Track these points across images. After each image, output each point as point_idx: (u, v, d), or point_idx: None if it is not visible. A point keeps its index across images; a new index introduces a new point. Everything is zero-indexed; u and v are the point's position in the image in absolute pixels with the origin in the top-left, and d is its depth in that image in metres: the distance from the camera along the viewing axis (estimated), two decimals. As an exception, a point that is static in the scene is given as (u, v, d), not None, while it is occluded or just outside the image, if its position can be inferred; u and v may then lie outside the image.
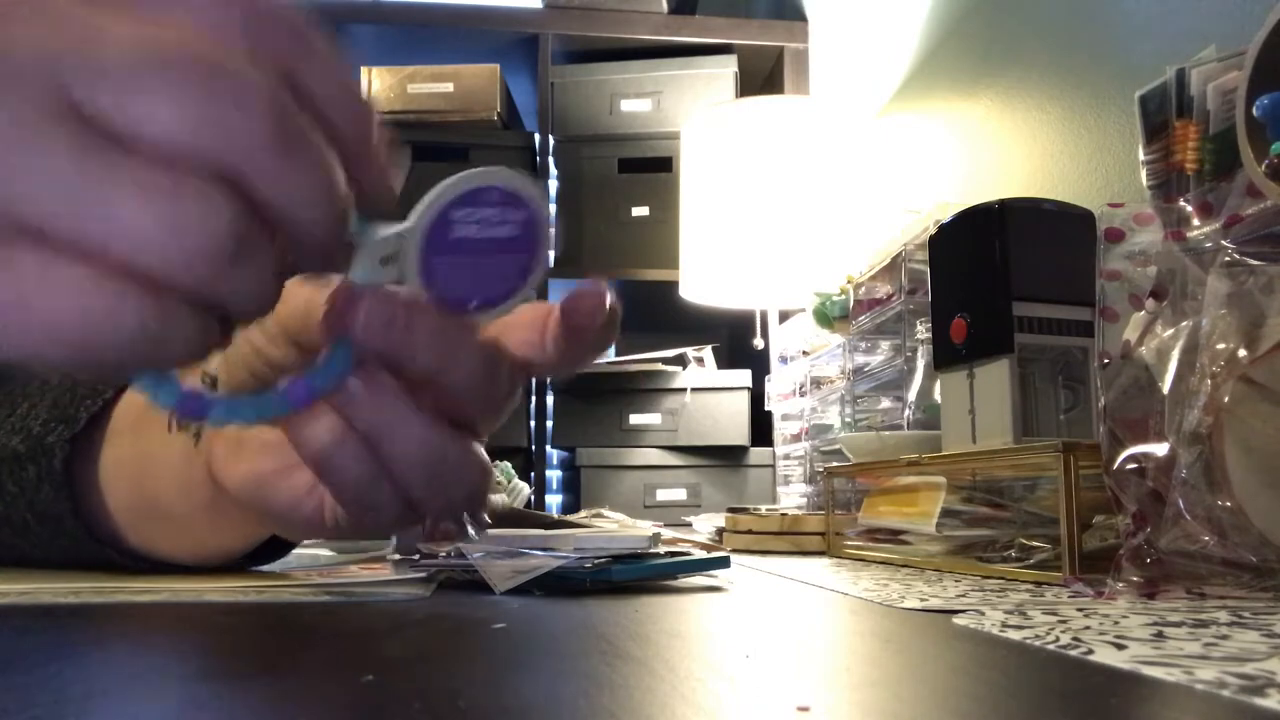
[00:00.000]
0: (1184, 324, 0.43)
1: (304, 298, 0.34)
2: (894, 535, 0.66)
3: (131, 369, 0.25)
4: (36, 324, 0.22)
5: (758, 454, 1.69)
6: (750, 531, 0.78)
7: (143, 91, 0.22)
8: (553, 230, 0.31)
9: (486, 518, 0.35)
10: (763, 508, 0.92)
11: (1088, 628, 0.31)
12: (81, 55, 0.21)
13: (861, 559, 0.68)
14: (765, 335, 1.54)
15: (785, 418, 1.31)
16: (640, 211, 1.88)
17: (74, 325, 0.21)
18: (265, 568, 0.49)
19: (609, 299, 0.32)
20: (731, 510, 0.84)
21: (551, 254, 0.31)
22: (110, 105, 0.21)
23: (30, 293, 0.21)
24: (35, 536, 0.46)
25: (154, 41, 0.22)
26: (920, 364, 0.84)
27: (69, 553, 0.46)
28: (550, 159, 1.92)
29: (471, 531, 0.34)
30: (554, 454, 1.97)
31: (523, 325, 0.33)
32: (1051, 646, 0.28)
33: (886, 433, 0.85)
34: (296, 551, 0.56)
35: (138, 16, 0.22)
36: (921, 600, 0.40)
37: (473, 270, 0.29)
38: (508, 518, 0.66)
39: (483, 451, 0.33)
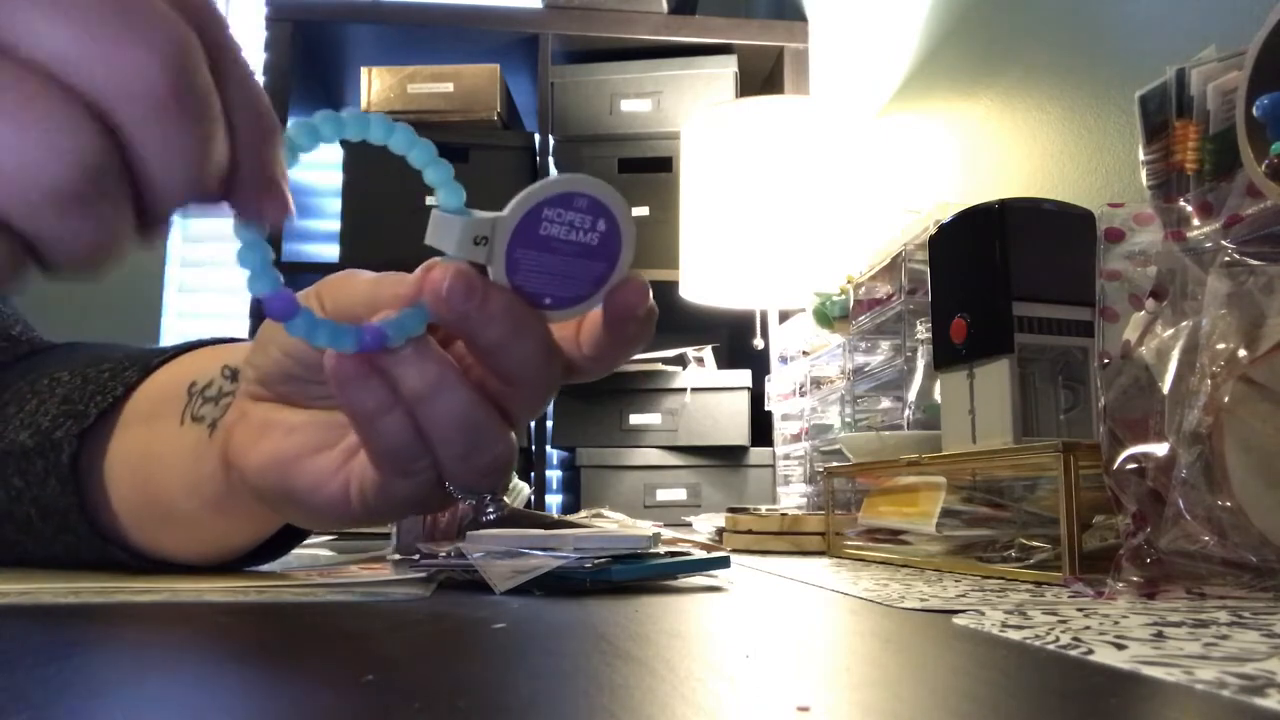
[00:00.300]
0: (1184, 324, 0.43)
1: (366, 288, 0.35)
2: (894, 535, 0.66)
3: None
4: None
5: (758, 454, 1.69)
6: (750, 531, 0.78)
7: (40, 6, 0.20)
8: (631, 250, 0.32)
9: (505, 499, 0.35)
10: (763, 508, 0.92)
11: (1088, 628, 0.31)
12: None
13: (861, 559, 0.68)
14: (765, 335, 1.54)
15: (785, 418, 1.31)
16: (640, 211, 1.88)
17: None
18: (265, 568, 0.49)
19: (649, 294, 0.33)
20: (731, 510, 0.84)
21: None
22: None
23: None
24: (39, 533, 0.46)
25: None
26: (920, 364, 0.84)
27: (72, 550, 0.46)
28: (550, 159, 1.92)
29: (490, 511, 0.35)
30: (554, 454, 1.97)
31: (560, 324, 0.34)
32: (1051, 646, 0.28)
33: (886, 433, 0.85)
34: (296, 551, 0.56)
35: None
36: (921, 600, 0.40)
37: (552, 269, 0.31)
38: (508, 518, 0.66)
39: (513, 434, 0.34)
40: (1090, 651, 0.26)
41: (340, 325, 0.31)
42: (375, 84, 1.92)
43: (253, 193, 0.25)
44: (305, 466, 0.37)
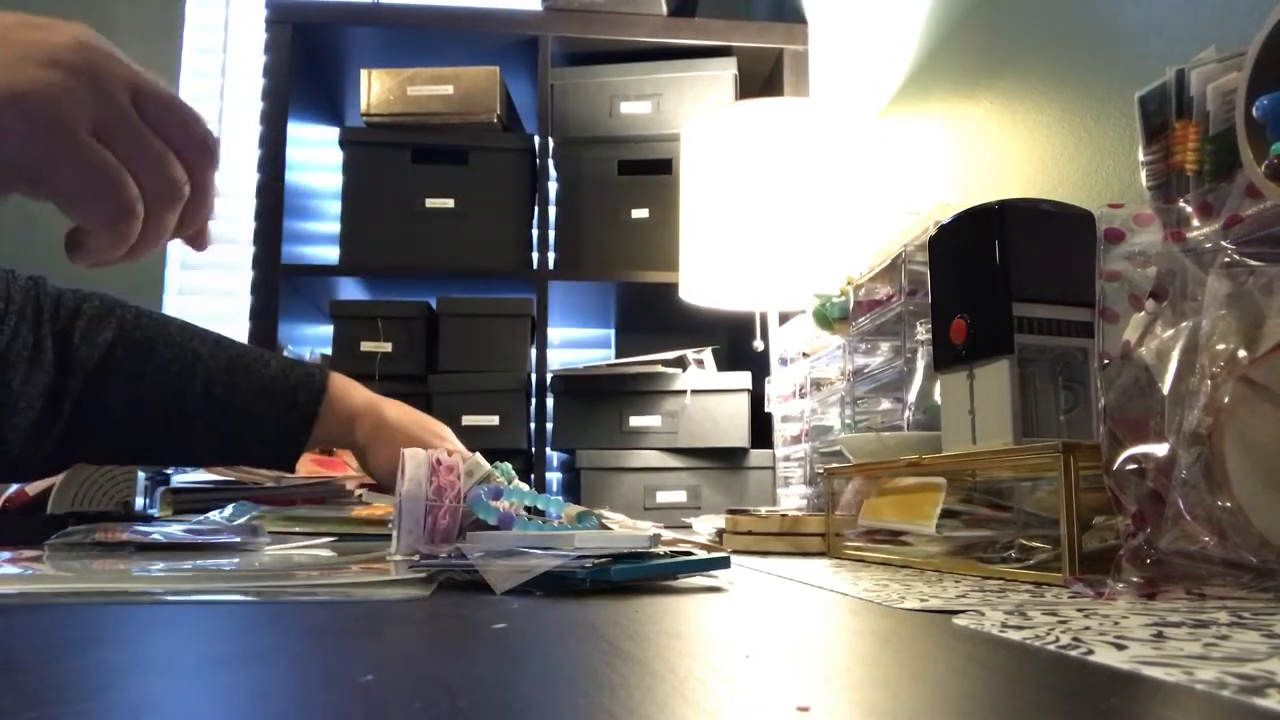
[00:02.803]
0: (1184, 324, 0.43)
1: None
2: (894, 536, 0.66)
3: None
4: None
5: (758, 456, 1.69)
6: (750, 532, 0.78)
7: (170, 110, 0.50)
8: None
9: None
10: (763, 509, 0.92)
11: (1088, 628, 0.31)
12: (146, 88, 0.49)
13: (861, 560, 0.68)
14: (765, 337, 1.54)
15: (785, 419, 1.31)
16: (640, 213, 1.88)
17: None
18: (264, 567, 0.49)
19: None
20: (731, 512, 0.84)
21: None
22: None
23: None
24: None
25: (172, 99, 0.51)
26: (920, 365, 0.84)
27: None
28: (550, 161, 1.92)
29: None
30: (554, 456, 1.97)
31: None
32: (1051, 647, 0.28)
33: (887, 434, 0.85)
34: (297, 551, 0.56)
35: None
36: (921, 601, 0.40)
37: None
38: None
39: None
40: (1090, 652, 0.26)
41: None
42: (375, 86, 1.92)
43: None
44: None
